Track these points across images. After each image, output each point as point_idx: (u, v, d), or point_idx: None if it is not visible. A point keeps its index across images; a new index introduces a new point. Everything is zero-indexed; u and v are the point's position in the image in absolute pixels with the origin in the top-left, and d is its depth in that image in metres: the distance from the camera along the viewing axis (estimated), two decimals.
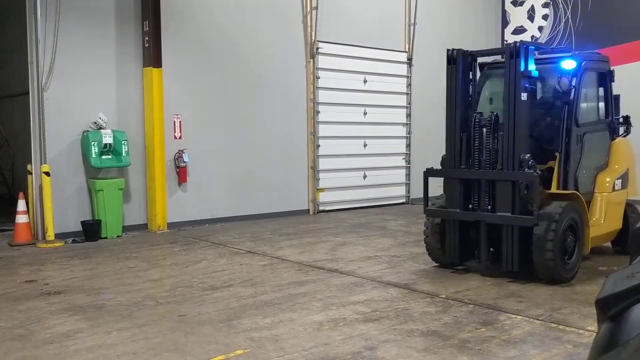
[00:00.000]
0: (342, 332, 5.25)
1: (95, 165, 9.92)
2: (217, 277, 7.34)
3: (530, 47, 6.94)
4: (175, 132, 11.21)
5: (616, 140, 8.11)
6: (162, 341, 5.08)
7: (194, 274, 7.54)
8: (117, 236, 10.18)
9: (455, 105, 7.22)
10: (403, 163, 15.17)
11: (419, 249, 8.45)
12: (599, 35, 14.41)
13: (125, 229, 10.50)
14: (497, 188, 6.88)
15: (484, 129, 6.93)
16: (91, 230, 9.93)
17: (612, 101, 8.06)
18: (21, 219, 9.56)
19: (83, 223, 9.99)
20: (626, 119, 8.54)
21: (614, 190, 7.85)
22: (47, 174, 9.56)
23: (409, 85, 15.16)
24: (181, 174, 11.18)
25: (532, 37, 16.35)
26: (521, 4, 16.66)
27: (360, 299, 6.30)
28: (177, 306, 6.11)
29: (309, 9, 12.98)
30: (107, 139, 9.91)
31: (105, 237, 10.01)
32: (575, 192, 7.13)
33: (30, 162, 9.88)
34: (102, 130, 10.02)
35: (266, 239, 9.99)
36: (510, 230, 6.77)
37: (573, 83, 7.11)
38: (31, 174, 9.87)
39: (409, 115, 15.20)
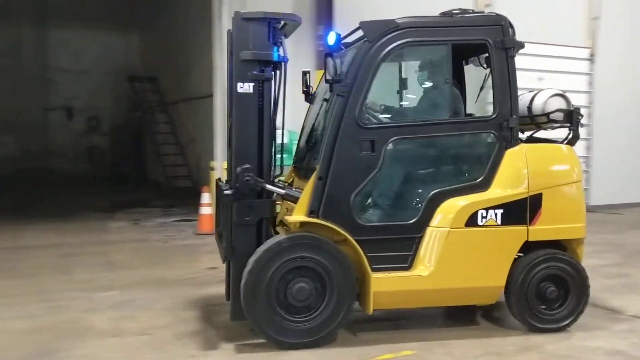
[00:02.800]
0: None
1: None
2: None
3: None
4: None
5: (516, 149, 4.65)
6: None
7: None
8: None
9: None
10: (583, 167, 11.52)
11: None
12: None
13: None
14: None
15: None
16: None
17: (509, 89, 4.65)
18: (205, 210, 9.57)
19: None
20: (570, 115, 4.90)
21: (475, 225, 4.54)
22: None
23: (590, 83, 12.04)
24: None
25: None
26: None
27: None
28: None
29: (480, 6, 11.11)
30: None
31: None
32: (325, 222, 4.40)
33: (213, 159, 10.11)
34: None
35: None
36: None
37: (342, 68, 4.41)
38: (213, 169, 9.78)
39: (590, 116, 11.96)
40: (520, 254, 4.74)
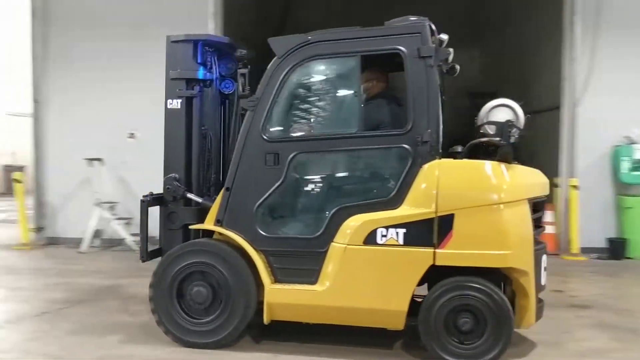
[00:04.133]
0: None
1: (625, 181, 9.03)
2: None
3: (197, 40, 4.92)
4: None
5: (430, 165, 4.32)
6: None
7: None
8: None
9: None
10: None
11: None
12: None
13: None
14: None
15: None
16: (617, 249, 8.95)
17: (427, 101, 4.36)
18: (548, 229, 9.51)
19: (609, 240, 9.07)
20: (501, 128, 4.39)
21: (374, 243, 4.34)
22: (576, 187, 8.89)
23: None
24: None
25: None
26: None
27: None
28: None
29: None
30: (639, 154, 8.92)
31: (631, 257, 8.91)
32: (221, 229, 4.62)
33: (557, 175, 9.50)
34: (634, 145, 8.97)
35: None
36: None
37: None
38: (558, 186, 9.36)
39: None
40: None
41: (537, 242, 4.52)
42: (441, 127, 4.39)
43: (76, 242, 9.22)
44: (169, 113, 4.93)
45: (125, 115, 9.42)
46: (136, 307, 5.78)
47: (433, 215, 4.22)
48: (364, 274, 4.37)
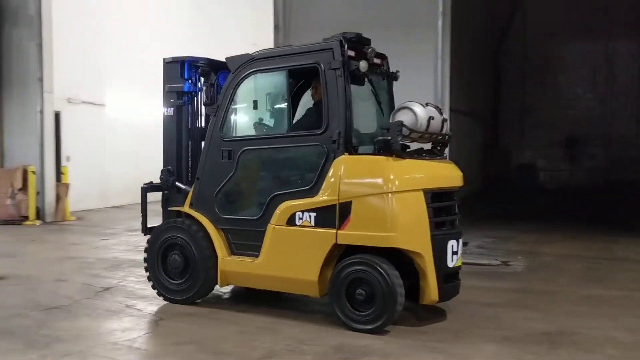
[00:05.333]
0: None
1: None
2: None
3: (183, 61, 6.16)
4: None
5: (338, 159, 5.11)
6: None
7: None
8: None
9: None
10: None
11: None
12: None
13: None
14: None
15: None
16: None
17: (338, 106, 5.18)
18: None
19: None
20: (394, 128, 5.07)
21: (293, 224, 5.28)
22: None
23: None
24: None
25: None
26: None
27: None
28: None
29: None
30: None
31: None
32: (190, 210, 5.83)
33: None
34: None
35: None
36: None
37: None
38: None
39: None
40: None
41: (441, 227, 5.09)
42: (353, 127, 5.16)
43: None
44: (165, 119, 6.21)
45: None
46: None
47: (336, 202, 5.05)
48: (287, 248, 5.32)
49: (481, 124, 19.60)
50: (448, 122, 5.56)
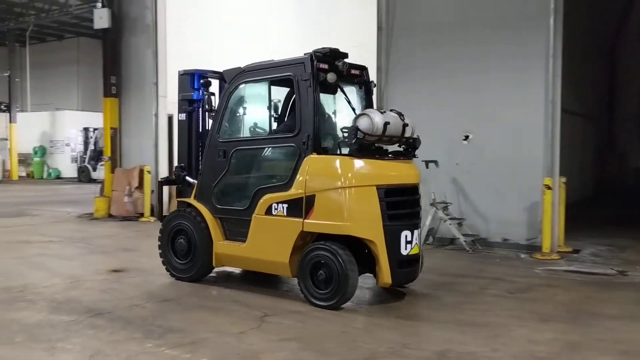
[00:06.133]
0: None
1: None
2: None
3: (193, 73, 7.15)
4: None
5: (307, 158, 5.84)
6: None
7: None
8: None
9: None
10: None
11: None
12: None
13: None
14: None
15: None
16: None
17: (308, 111, 5.97)
18: None
19: None
20: (349, 132, 5.79)
21: (271, 214, 6.14)
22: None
23: None
24: None
25: None
26: None
27: None
28: None
29: None
30: None
31: None
32: (194, 201, 6.78)
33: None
34: None
35: None
36: None
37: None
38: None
39: None
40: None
41: (395, 218, 5.75)
42: (321, 130, 5.94)
43: None
44: (179, 123, 7.22)
45: (460, 119, 9.32)
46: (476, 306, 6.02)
47: (303, 195, 5.84)
48: (265, 235, 6.15)
49: (595, 125, 18.79)
50: (412, 126, 6.15)
